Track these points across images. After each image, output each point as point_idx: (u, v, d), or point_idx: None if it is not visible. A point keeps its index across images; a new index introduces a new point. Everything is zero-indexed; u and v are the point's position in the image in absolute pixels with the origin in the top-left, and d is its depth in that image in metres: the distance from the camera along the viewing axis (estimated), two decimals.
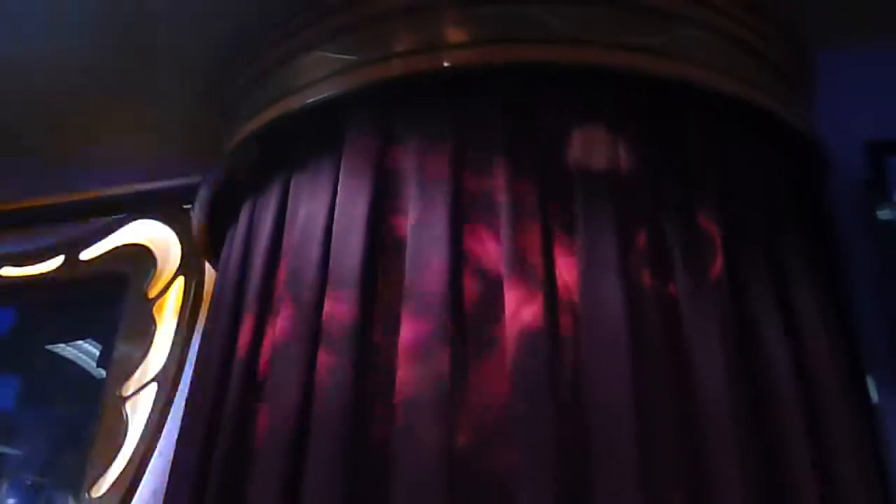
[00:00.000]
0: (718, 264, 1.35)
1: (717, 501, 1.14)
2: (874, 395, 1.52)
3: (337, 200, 1.43)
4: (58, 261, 2.40)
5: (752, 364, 1.31)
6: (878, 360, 1.53)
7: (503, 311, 1.23)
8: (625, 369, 1.18)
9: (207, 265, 2.15)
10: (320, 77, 1.52)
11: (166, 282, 2.22)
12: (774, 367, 1.31)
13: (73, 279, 2.39)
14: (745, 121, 1.53)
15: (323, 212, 1.44)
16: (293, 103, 1.55)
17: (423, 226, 1.32)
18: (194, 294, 2.17)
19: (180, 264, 2.25)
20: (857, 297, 1.61)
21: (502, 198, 1.32)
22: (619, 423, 1.15)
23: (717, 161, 1.48)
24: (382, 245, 1.37)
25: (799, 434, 1.27)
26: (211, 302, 1.72)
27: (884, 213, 1.59)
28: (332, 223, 1.41)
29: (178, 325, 2.15)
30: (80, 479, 2.04)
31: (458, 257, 1.29)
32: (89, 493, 1.99)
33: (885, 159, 1.65)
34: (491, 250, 1.30)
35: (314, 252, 1.40)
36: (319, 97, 1.51)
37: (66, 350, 2.53)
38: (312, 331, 1.31)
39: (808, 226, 1.60)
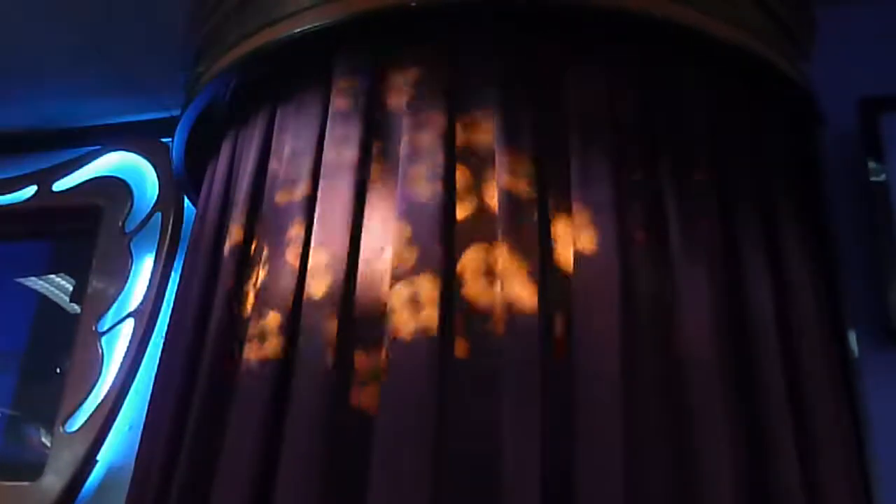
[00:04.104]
0: (711, 216, 1.34)
1: (702, 454, 1.15)
2: (855, 351, 1.54)
3: (325, 142, 1.38)
4: (30, 191, 2.34)
5: (739, 316, 1.31)
6: (860, 317, 1.55)
7: (495, 268, 1.21)
8: (614, 322, 1.17)
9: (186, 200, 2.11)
10: (307, 5, 1.46)
11: (144, 216, 2.18)
12: (760, 320, 1.31)
13: (45, 210, 2.33)
14: (741, 72, 1.50)
15: (310, 152, 1.39)
16: (277, 33, 1.47)
17: (415, 174, 1.28)
18: (172, 229, 2.14)
19: (158, 199, 2.20)
20: (844, 254, 1.61)
21: (497, 148, 1.29)
22: (605, 378, 1.14)
23: (712, 113, 1.46)
24: (372, 189, 1.33)
25: (780, 386, 1.27)
26: (190, 237, 1.68)
27: (875, 170, 1.58)
28: (319, 166, 1.37)
29: (155, 260, 2.12)
30: (53, 413, 2.02)
31: (451, 212, 1.26)
32: (63, 427, 1.97)
33: (879, 117, 1.64)
34: (486, 200, 1.27)
35: (300, 193, 1.36)
36: (305, 27, 1.44)
37: (37, 283, 2.48)
38: (299, 269, 1.28)
39: (798, 181, 1.59)
